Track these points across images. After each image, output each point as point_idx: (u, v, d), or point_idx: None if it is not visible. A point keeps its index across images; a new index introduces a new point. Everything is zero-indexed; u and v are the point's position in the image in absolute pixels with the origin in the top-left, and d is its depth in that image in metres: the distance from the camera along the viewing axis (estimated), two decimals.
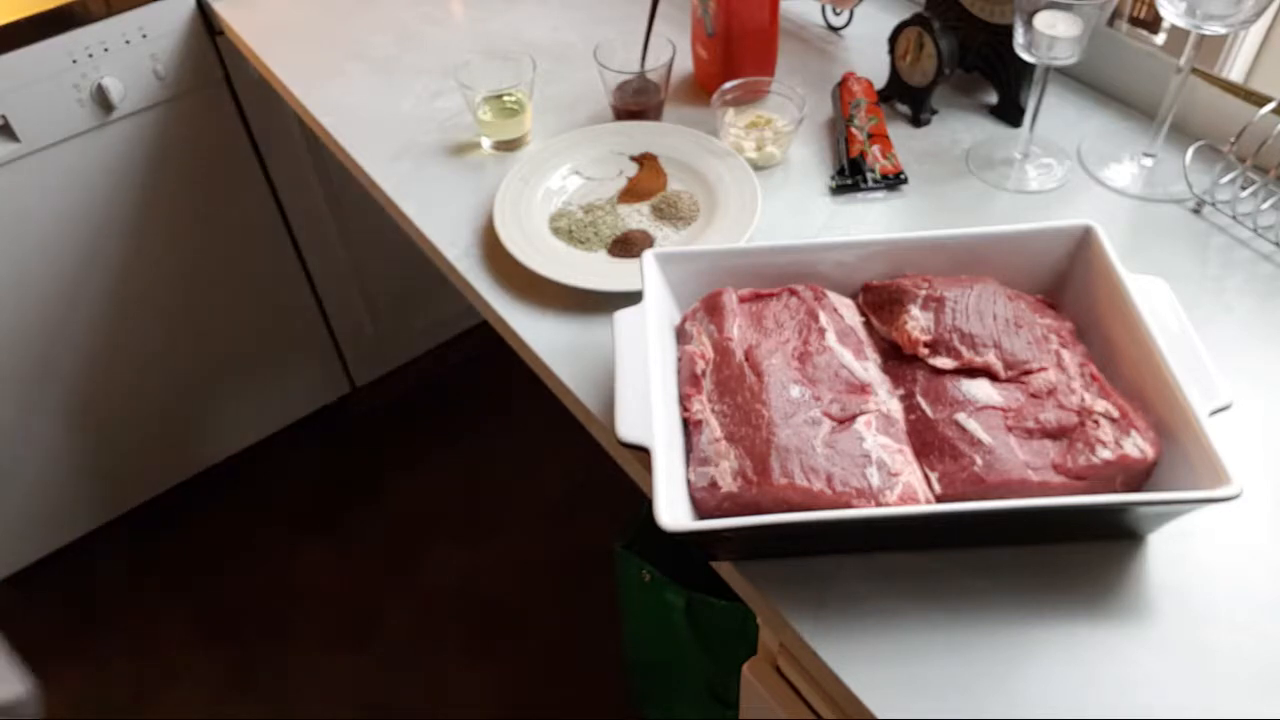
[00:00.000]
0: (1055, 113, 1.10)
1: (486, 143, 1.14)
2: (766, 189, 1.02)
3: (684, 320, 0.83)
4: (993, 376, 0.75)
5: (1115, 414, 0.70)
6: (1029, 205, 1.02)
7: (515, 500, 1.94)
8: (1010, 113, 1.11)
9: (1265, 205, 0.94)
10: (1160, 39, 1.07)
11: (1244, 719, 0.63)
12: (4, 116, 1.35)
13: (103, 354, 1.64)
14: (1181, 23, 0.90)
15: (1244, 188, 0.96)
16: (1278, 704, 0.63)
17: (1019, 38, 0.96)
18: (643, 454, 0.70)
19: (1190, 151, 0.99)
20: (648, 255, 0.82)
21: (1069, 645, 0.66)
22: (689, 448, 0.73)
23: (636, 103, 1.13)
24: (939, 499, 0.69)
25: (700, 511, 0.69)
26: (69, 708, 1.69)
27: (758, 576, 0.71)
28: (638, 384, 0.73)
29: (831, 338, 0.78)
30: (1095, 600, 0.69)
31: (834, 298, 0.82)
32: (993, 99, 1.14)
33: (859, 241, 0.84)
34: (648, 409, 0.71)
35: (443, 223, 1.04)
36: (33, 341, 1.56)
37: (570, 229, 1.01)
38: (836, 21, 1.28)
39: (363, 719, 1.66)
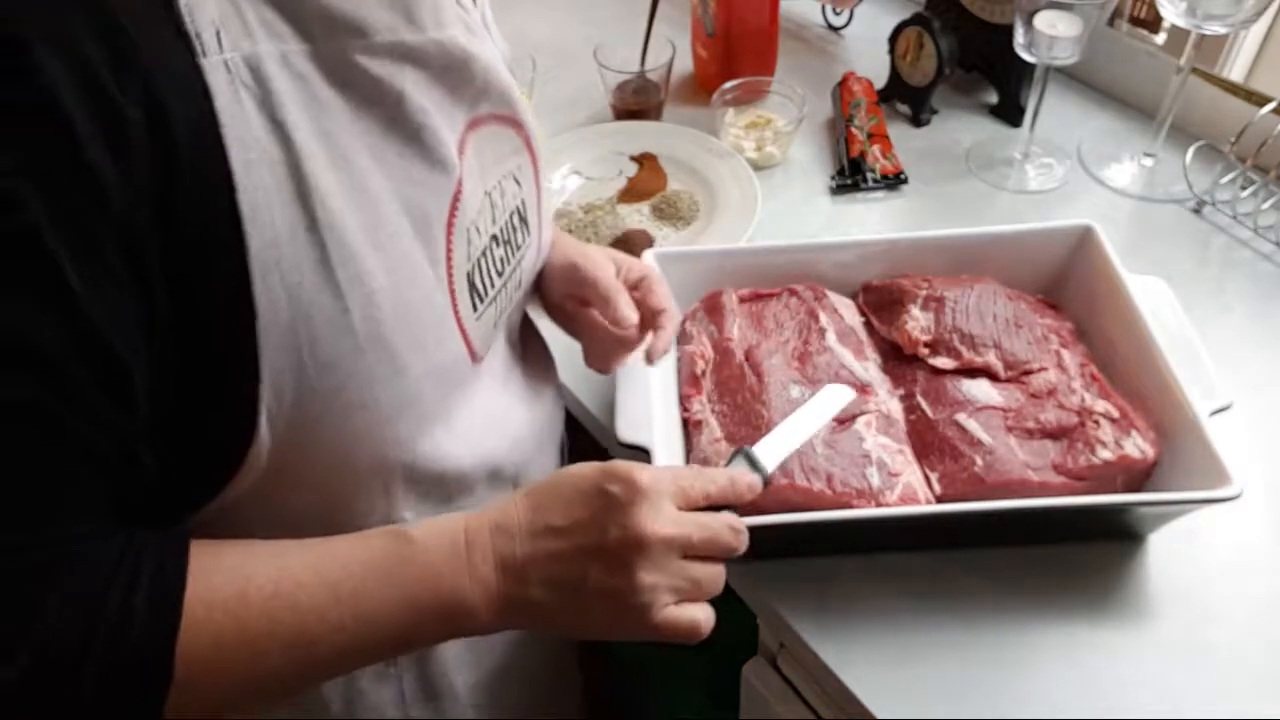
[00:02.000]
0: (1055, 113, 1.10)
1: None
2: (766, 189, 1.02)
3: (684, 320, 0.82)
4: (993, 376, 0.75)
5: (1115, 414, 0.70)
6: (1029, 205, 1.02)
7: None
8: (1010, 113, 1.11)
9: (1265, 205, 0.94)
10: (1160, 39, 1.08)
11: (1244, 719, 0.63)
12: None
13: None
14: (1181, 23, 0.90)
15: (1244, 188, 0.96)
16: (1278, 704, 0.63)
17: (1019, 37, 0.96)
18: (643, 454, 0.69)
19: (1190, 151, 0.99)
20: (648, 255, 0.82)
21: (1069, 645, 0.66)
22: (689, 448, 0.73)
23: (636, 103, 1.13)
24: (939, 499, 0.69)
25: None
26: None
27: (758, 576, 0.71)
28: (638, 384, 0.73)
29: (831, 338, 0.78)
30: (1095, 600, 0.68)
31: (834, 298, 0.82)
32: (993, 99, 1.14)
33: (859, 241, 0.84)
34: (648, 409, 0.71)
35: None
36: None
37: (570, 229, 1.01)
38: (836, 21, 1.28)
39: None
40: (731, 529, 0.53)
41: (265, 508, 0.51)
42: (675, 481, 0.52)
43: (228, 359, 0.45)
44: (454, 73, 0.53)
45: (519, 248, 0.63)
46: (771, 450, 0.59)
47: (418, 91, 0.50)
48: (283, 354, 0.46)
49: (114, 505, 0.45)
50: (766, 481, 0.58)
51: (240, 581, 0.47)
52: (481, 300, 0.58)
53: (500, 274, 0.60)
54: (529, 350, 0.72)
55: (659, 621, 0.50)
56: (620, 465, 0.51)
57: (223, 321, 0.45)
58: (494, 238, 0.59)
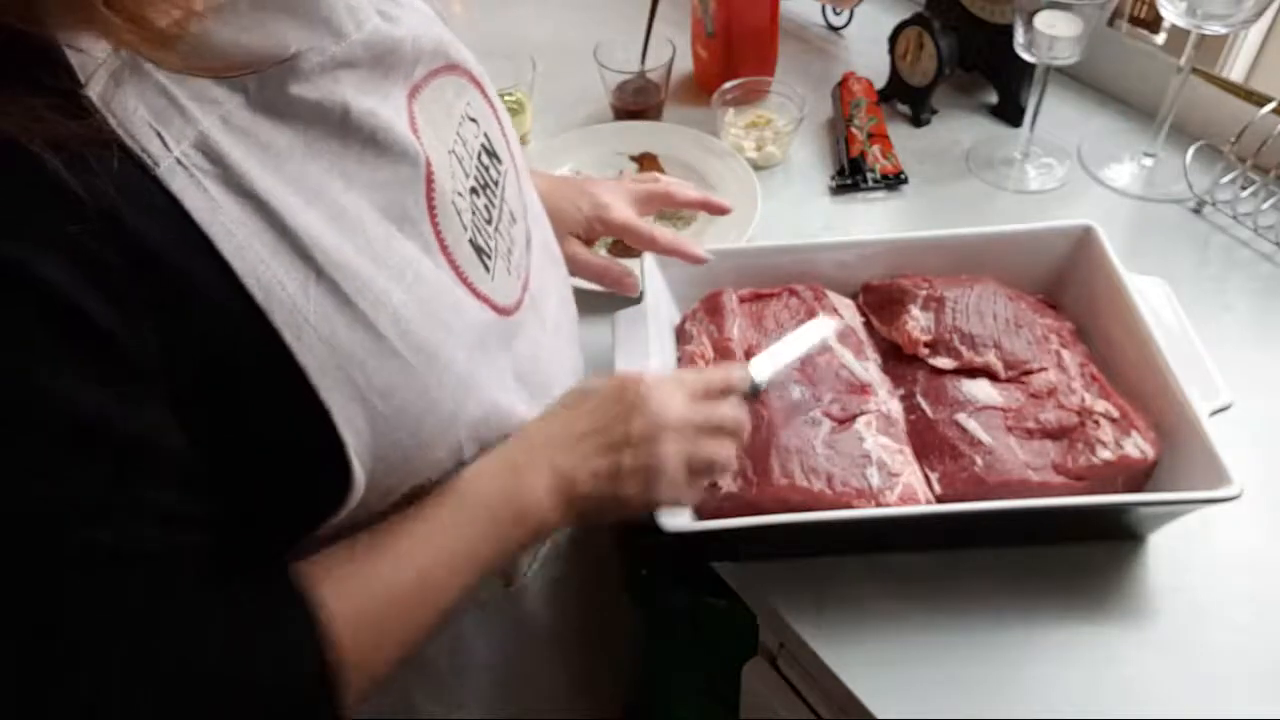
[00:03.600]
0: (1055, 113, 1.10)
1: None
2: (766, 189, 1.02)
3: (684, 320, 0.82)
4: (993, 376, 0.75)
5: (1115, 414, 0.70)
6: (1029, 205, 1.02)
7: None
8: (1010, 113, 1.11)
9: (1265, 205, 0.94)
10: (1160, 39, 1.07)
11: (1244, 719, 0.63)
12: None
13: None
14: (1182, 22, 0.90)
15: (1244, 188, 0.96)
16: (1278, 704, 0.63)
17: (1019, 37, 0.96)
18: None
19: (1190, 151, 0.99)
20: (648, 255, 0.82)
21: (1069, 645, 0.66)
22: None
23: (636, 103, 1.13)
24: (939, 499, 0.69)
25: (700, 512, 0.69)
26: None
27: (758, 576, 0.71)
28: None
29: (832, 338, 0.78)
30: (1095, 600, 0.68)
31: (834, 298, 0.82)
32: (993, 99, 1.14)
33: (859, 241, 0.84)
34: None
35: None
36: None
37: None
38: (836, 21, 1.28)
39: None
40: (733, 408, 0.66)
41: (360, 513, 0.54)
42: (679, 380, 0.65)
43: (301, 423, 0.47)
44: (386, 61, 0.52)
45: (497, 184, 0.62)
46: (762, 366, 0.71)
47: (358, 96, 0.50)
48: (347, 399, 0.48)
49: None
50: (758, 390, 0.70)
51: (384, 593, 0.53)
52: (489, 257, 0.58)
53: (490, 221, 0.60)
54: (548, 283, 0.71)
55: (686, 481, 0.62)
56: (633, 372, 0.65)
57: (279, 392, 0.46)
58: (474, 191, 0.58)
